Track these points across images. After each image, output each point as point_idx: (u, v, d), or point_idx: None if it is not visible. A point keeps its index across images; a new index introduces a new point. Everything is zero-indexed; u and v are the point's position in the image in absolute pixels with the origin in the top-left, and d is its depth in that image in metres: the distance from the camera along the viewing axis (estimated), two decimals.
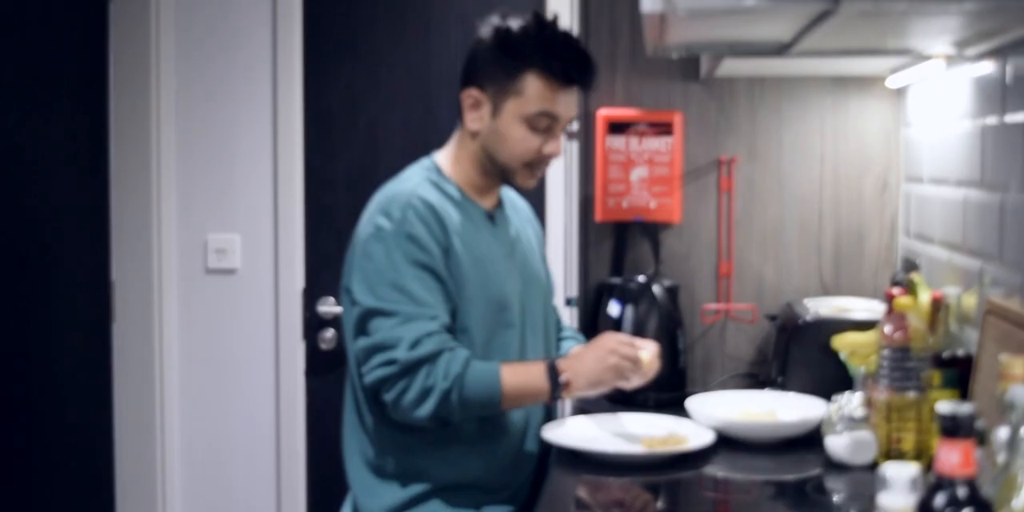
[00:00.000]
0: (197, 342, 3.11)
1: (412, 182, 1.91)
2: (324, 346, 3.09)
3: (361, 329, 1.84)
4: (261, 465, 3.11)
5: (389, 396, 1.80)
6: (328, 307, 3.08)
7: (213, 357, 3.11)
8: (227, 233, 3.09)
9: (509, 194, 2.12)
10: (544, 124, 1.89)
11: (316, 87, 3.06)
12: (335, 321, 3.09)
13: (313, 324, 3.09)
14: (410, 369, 1.77)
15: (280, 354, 3.08)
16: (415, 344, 1.77)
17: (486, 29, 1.93)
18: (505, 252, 1.98)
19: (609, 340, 1.93)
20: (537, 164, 1.93)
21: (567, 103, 1.91)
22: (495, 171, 1.95)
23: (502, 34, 1.89)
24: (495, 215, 2.00)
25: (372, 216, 1.89)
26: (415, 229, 1.82)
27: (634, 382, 1.95)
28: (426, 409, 1.78)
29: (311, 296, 3.08)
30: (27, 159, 3.10)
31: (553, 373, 1.85)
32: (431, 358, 1.78)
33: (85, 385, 3.11)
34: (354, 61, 3.06)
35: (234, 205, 3.09)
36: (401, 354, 1.77)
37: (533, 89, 1.87)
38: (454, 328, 1.87)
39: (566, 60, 1.88)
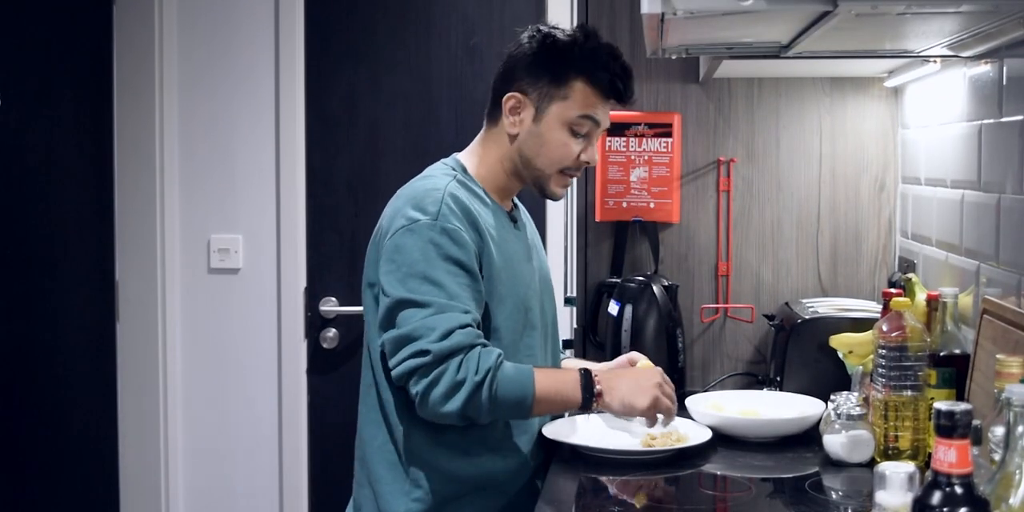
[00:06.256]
0: (200, 341, 3.13)
1: (442, 181, 1.86)
2: (326, 345, 3.10)
3: (390, 321, 1.77)
4: (263, 462, 3.12)
5: (418, 388, 1.72)
6: (330, 306, 3.09)
7: (216, 356, 3.13)
8: (230, 233, 3.10)
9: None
10: (585, 129, 1.90)
11: (318, 88, 3.07)
12: (336, 320, 3.10)
13: (315, 323, 3.10)
14: (442, 360, 1.70)
15: (282, 353, 3.10)
16: (448, 334, 1.71)
17: (527, 35, 1.92)
18: (526, 255, 1.97)
19: (656, 372, 1.91)
20: (571, 171, 1.93)
21: (606, 113, 1.92)
22: (527, 177, 1.93)
23: (548, 41, 1.89)
24: (515, 217, 2.01)
25: (401, 210, 1.82)
26: (450, 224, 1.78)
27: (661, 424, 1.95)
28: (455, 404, 1.71)
29: (313, 295, 3.10)
30: (31, 160, 3.12)
31: (587, 381, 1.81)
32: (464, 350, 1.71)
33: (89, 383, 3.13)
34: (355, 62, 3.07)
35: (236, 205, 3.10)
36: (433, 344, 1.70)
37: (580, 94, 1.88)
38: (485, 328, 1.83)
39: (612, 73, 1.89)
